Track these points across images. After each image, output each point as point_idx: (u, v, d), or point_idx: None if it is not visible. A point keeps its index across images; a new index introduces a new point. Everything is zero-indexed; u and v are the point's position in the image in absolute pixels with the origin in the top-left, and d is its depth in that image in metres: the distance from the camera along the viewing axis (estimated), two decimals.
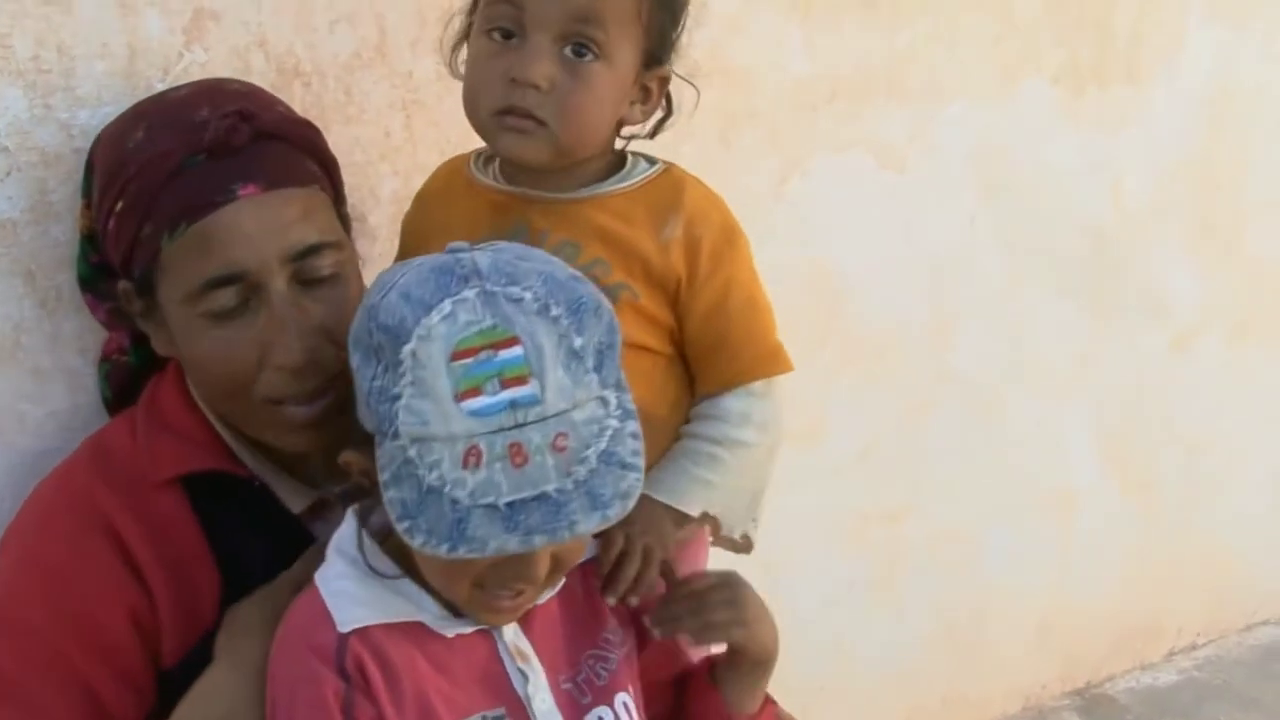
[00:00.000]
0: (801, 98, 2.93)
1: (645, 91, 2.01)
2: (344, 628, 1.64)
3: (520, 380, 1.51)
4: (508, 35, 1.89)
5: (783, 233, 2.92)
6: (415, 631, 1.67)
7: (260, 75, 2.20)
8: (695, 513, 2.01)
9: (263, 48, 2.22)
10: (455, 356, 1.51)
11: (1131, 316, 3.66)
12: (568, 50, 1.88)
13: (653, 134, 2.09)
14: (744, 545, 2.09)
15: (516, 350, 1.52)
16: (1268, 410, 4.01)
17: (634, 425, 1.58)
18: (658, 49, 1.98)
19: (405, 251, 2.13)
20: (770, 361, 2.04)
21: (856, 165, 3.06)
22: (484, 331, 1.52)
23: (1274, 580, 4.19)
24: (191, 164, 1.85)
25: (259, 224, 1.85)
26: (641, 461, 1.56)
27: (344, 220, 2.04)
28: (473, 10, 1.97)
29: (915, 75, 3.11)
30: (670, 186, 2.03)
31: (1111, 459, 3.73)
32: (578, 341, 1.55)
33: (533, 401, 1.50)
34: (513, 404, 1.50)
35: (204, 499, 1.93)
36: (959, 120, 3.20)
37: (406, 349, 1.52)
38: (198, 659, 1.83)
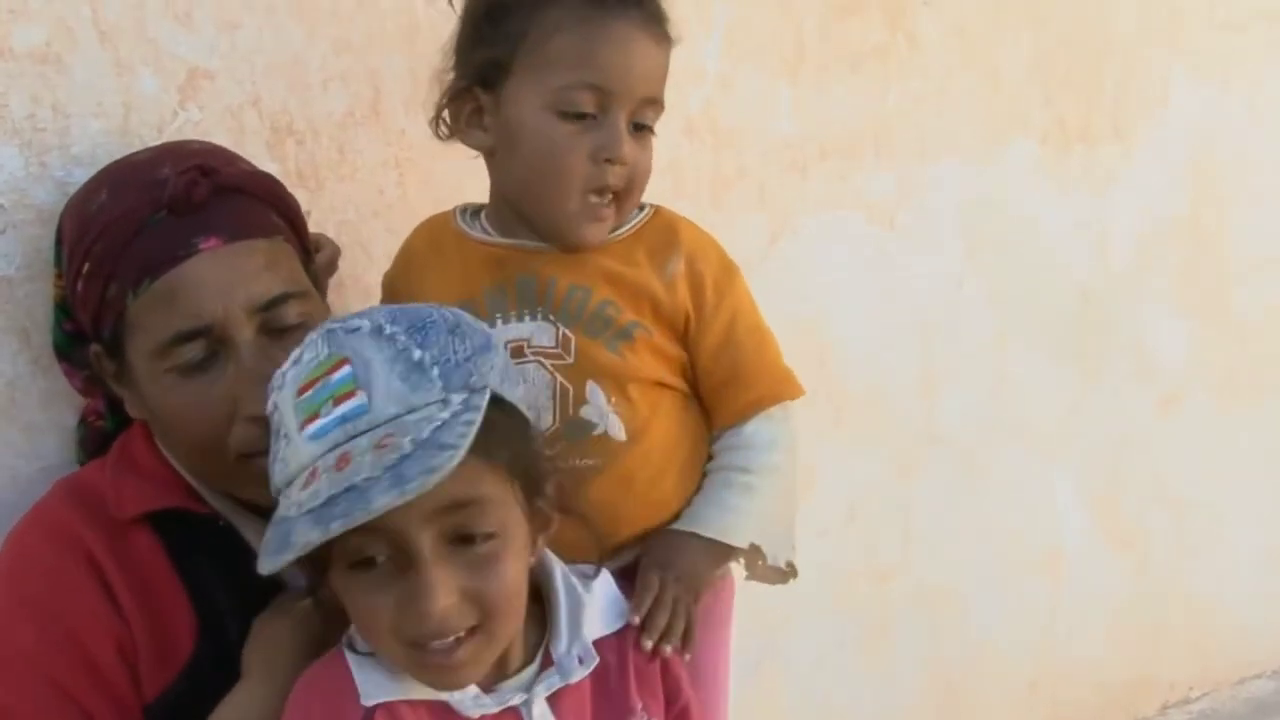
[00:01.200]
0: (791, 157, 2.95)
1: None
2: (368, 700, 1.61)
3: (348, 395, 1.52)
4: (581, 117, 1.94)
5: (772, 291, 2.91)
6: (440, 710, 1.64)
7: (254, 134, 2.22)
8: (744, 544, 2.01)
9: (256, 106, 2.24)
10: (300, 392, 1.55)
11: (1118, 375, 3.67)
12: (635, 125, 1.96)
13: None
14: (789, 573, 2.09)
15: (345, 370, 1.53)
16: (1254, 467, 4.01)
17: (472, 415, 1.51)
18: None
19: (384, 294, 2.15)
20: (785, 386, 2.08)
21: (845, 224, 3.08)
22: (320, 363, 1.55)
23: (1264, 634, 4.19)
24: (153, 222, 1.86)
25: (222, 276, 1.86)
26: (467, 442, 1.48)
27: (312, 276, 2.04)
28: (480, 76, 1.99)
29: (903, 135, 3.13)
30: (665, 227, 2.07)
31: (1099, 516, 3.74)
32: (418, 354, 1.54)
33: (360, 411, 1.51)
34: (343, 418, 1.51)
35: (175, 537, 1.93)
36: (947, 179, 3.22)
37: (271, 403, 1.60)
38: (175, 694, 1.84)
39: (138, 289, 1.85)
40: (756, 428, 2.05)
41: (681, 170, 2.73)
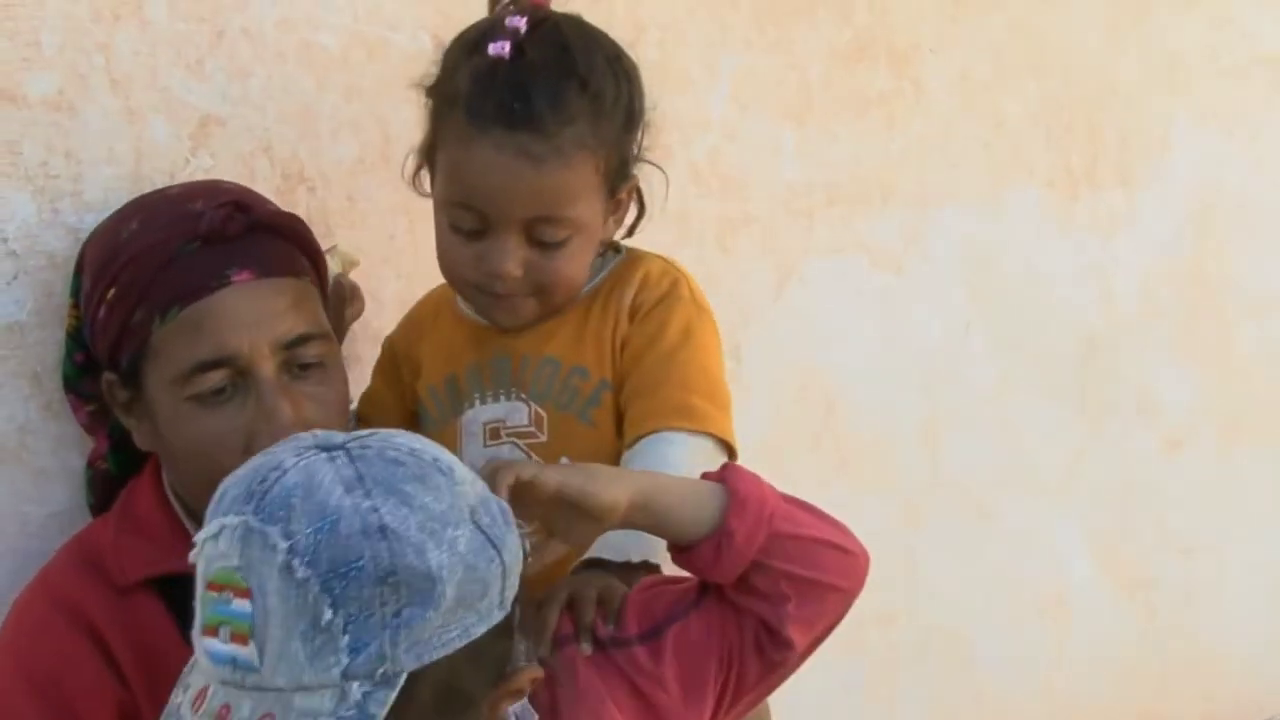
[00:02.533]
0: (796, 203, 2.96)
1: (616, 205, 2.01)
2: None
3: (242, 639, 1.35)
4: (470, 233, 1.91)
5: (778, 337, 2.94)
6: None
7: (265, 180, 2.23)
8: (630, 559, 1.83)
9: (267, 153, 2.25)
10: (208, 587, 1.40)
11: (1123, 419, 3.67)
12: (535, 242, 1.89)
13: (630, 233, 2.08)
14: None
15: (245, 605, 1.36)
16: (1260, 510, 4.00)
17: None
18: (621, 176, 1.98)
19: (381, 367, 2.17)
20: (682, 415, 1.91)
21: (850, 270, 3.09)
22: (226, 572, 1.38)
23: (1272, 678, 4.17)
24: (186, 251, 1.88)
25: (251, 310, 1.88)
26: None
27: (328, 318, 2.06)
28: (429, 151, 1.99)
29: (909, 181, 3.14)
30: (629, 265, 2.05)
31: (1105, 561, 3.73)
32: (328, 615, 1.33)
33: (249, 668, 1.35)
34: (233, 661, 1.36)
35: (179, 599, 1.91)
36: (952, 225, 3.22)
37: (200, 538, 1.43)
38: None
39: (165, 315, 1.86)
40: (645, 448, 1.89)
41: (687, 217, 2.74)
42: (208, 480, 1.86)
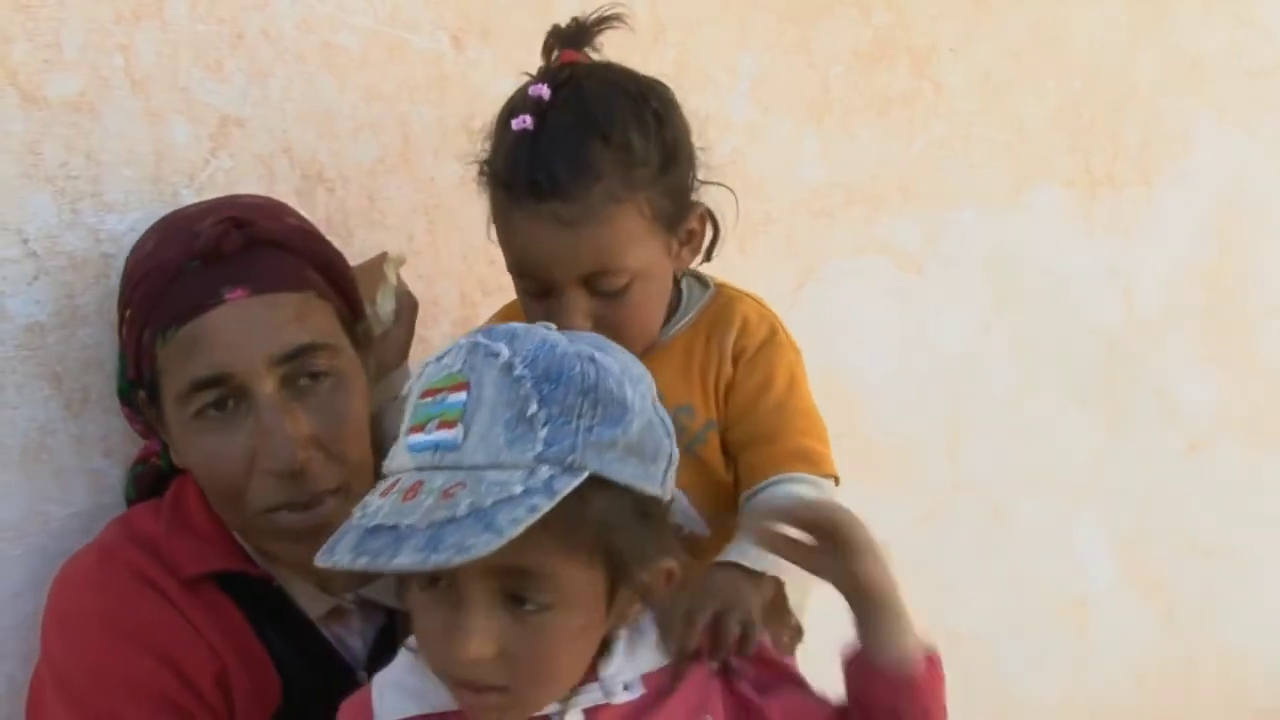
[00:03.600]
0: (817, 204, 2.96)
1: (690, 235, 2.06)
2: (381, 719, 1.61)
3: (449, 424, 1.47)
4: (537, 294, 1.99)
5: (799, 338, 2.93)
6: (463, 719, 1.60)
7: (285, 181, 2.24)
8: (771, 572, 1.94)
9: (287, 154, 2.25)
10: (423, 395, 1.52)
11: (1145, 421, 3.66)
12: (596, 294, 1.96)
13: (707, 256, 2.13)
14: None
15: (460, 396, 1.48)
16: None
17: (540, 502, 1.43)
18: (678, 212, 2.03)
19: None
20: (803, 460, 2.02)
21: (871, 271, 3.08)
22: (448, 375, 1.50)
23: None
24: (188, 269, 1.89)
25: (245, 327, 1.87)
26: (514, 532, 1.40)
27: (355, 335, 2.04)
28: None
29: (929, 181, 3.14)
30: (725, 305, 2.11)
31: (1127, 564, 3.72)
32: (533, 408, 1.47)
33: (450, 447, 1.46)
34: (436, 446, 1.47)
35: (241, 596, 1.95)
36: (973, 226, 3.22)
37: (406, 390, 1.56)
38: None
39: (166, 335, 1.87)
40: (778, 487, 2.00)
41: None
42: (221, 496, 1.90)
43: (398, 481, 1.48)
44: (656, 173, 1.97)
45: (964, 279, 3.24)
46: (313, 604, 1.99)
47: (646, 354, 1.99)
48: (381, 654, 1.87)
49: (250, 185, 2.19)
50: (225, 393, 1.86)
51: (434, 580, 1.49)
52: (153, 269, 1.90)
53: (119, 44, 2.08)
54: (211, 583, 1.93)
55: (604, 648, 1.63)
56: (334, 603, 2.00)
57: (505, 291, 2.45)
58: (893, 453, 3.20)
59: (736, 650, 1.77)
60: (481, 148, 2.02)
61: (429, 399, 1.50)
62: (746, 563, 1.90)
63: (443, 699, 1.59)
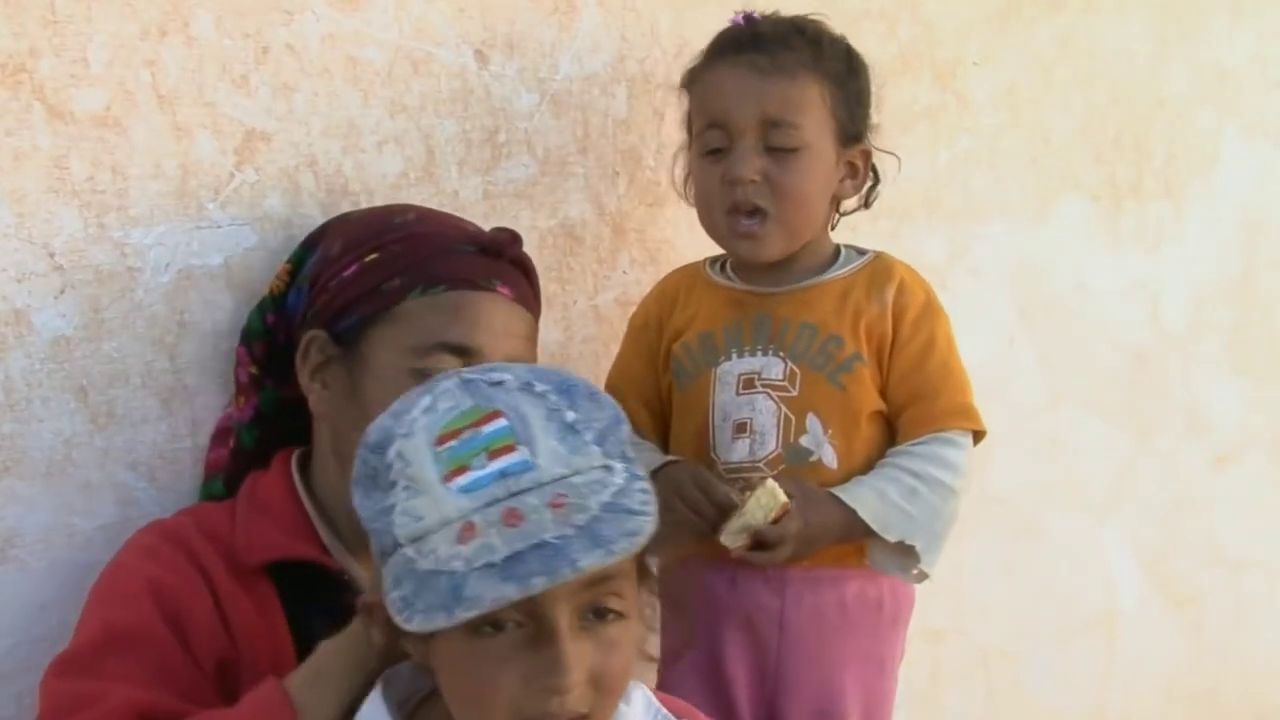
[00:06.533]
0: (843, 218, 2.95)
1: (852, 168, 2.37)
2: None
3: (507, 449, 1.43)
4: (718, 151, 2.28)
5: None
6: None
7: (310, 195, 2.25)
8: (892, 539, 2.23)
9: (312, 168, 2.26)
10: (439, 442, 1.45)
11: (1172, 434, 3.65)
12: (770, 147, 2.24)
13: (867, 204, 2.48)
14: (919, 576, 2.31)
15: (501, 422, 1.45)
16: None
17: (643, 484, 1.47)
18: (851, 128, 2.33)
19: (632, 339, 2.47)
20: (963, 416, 2.31)
21: None
22: (465, 413, 1.46)
23: None
24: (460, 249, 2.07)
25: (503, 322, 2.05)
26: (652, 509, 1.44)
27: None
28: (689, 146, 2.39)
29: (954, 195, 3.14)
30: (885, 266, 2.38)
31: (1154, 577, 3.71)
32: (570, 416, 1.48)
33: (524, 468, 1.42)
34: (503, 474, 1.42)
35: (294, 591, 1.98)
36: (998, 239, 3.22)
37: (392, 450, 1.47)
38: None
39: (429, 289, 2.01)
40: (932, 446, 2.28)
41: None
42: None
43: (468, 525, 1.41)
44: (838, 76, 2.30)
45: (989, 293, 3.24)
46: None
47: (807, 289, 2.34)
48: None
49: (275, 199, 2.21)
50: (461, 362, 1.96)
51: (495, 628, 1.44)
52: (423, 233, 2.07)
53: (145, 59, 2.09)
54: (266, 577, 1.97)
55: None
56: None
57: None
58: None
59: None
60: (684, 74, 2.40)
61: (451, 442, 1.45)
62: (864, 514, 2.21)
63: None
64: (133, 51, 2.08)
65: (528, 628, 1.44)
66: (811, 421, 2.28)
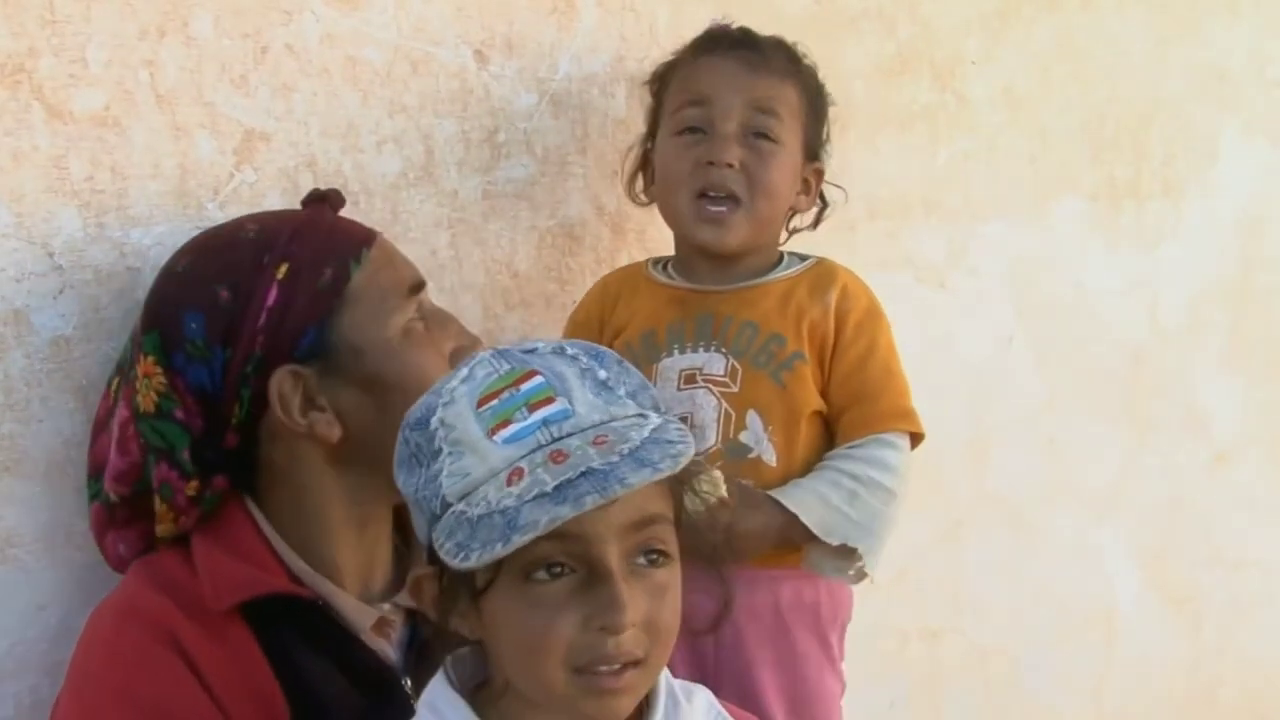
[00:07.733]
0: (840, 217, 2.95)
1: (806, 184, 2.42)
2: None
3: (547, 400, 1.49)
4: (693, 131, 2.32)
5: None
6: None
7: None
8: (833, 542, 2.24)
9: (311, 168, 2.26)
10: (480, 404, 1.50)
11: (1170, 434, 3.65)
12: (750, 136, 2.30)
13: (815, 224, 2.54)
14: (858, 577, 2.31)
15: (538, 379, 1.50)
16: None
17: (679, 424, 1.53)
18: (813, 144, 2.41)
19: (574, 336, 2.39)
20: (903, 419, 2.34)
21: (894, 284, 3.06)
22: (502, 376, 1.51)
23: None
24: (332, 219, 2.06)
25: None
26: (691, 440, 1.49)
27: None
28: (648, 138, 2.43)
29: (952, 194, 3.14)
30: (828, 270, 2.41)
31: (1152, 576, 3.71)
32: (602, 374, 1.53)
33: (564, 416, 1.48)
34: (545, 421, 1.47)
35: (269, 629, 1.91)
36: (996, 238, 3.22)
37: (434, 420, 1.51)
38: None
39: (359, 257, 1.97)
40: (871, 449, 2.29)
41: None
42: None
43: (516, 470, 1.45)
44: (811, 92, 2.40)
45: (987, 292, 3.24)
46: (360, 618, 1.96)
47: (751, 289, 2.36)
48: (412, 661, 1.97)
49: (275, 199, 2.21)
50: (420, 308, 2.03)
51: (552, 572, 1.47)
52: (302, 223, 2.00)
53: (144, 59, 2.09)
54: (237, 619, 1.89)
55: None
56: (379, 613, 1.99)
57: (528, 305, 2.49)
58: (917, 466, 3.18)
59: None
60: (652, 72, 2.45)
61: (492, 402, 1.50)
62: (806, 519, 2.21)
63: None
64: (132, 51, 2.09)
65: (580, 573, 1.47)
66: (752, 418, 2.30)
